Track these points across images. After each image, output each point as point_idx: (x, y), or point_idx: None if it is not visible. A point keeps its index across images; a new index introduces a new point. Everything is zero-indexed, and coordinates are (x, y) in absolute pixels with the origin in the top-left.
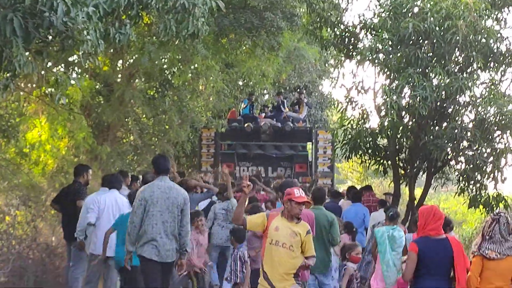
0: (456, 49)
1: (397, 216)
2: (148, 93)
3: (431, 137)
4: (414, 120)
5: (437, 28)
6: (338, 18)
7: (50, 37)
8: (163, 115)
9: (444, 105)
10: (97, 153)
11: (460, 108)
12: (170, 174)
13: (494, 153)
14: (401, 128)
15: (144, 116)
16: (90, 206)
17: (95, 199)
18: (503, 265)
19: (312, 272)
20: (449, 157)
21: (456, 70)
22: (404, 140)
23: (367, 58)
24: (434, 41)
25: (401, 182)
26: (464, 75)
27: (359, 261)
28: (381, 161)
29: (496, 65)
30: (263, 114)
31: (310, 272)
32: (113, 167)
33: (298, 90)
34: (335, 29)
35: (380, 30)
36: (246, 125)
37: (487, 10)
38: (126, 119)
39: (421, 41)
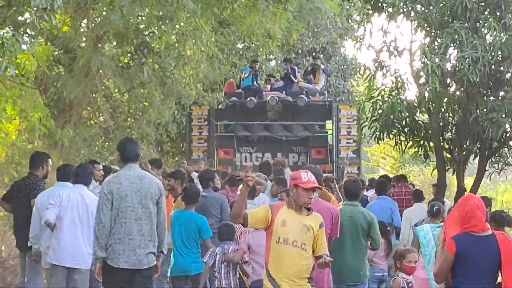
0: None
1: (443, 211)
2: (121, 60)
3: (485, 110)
4: (462, 88)
5: None
6: None
7: None
8: (141, 88)
9: (501, 68)
10: (57, 138)
11: None
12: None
13: None
14: (445, 99)
15: (116, 90)
16: (49, 201)
17: (56, 193)
18: None
19: (344, 282)
20: (507, 135)
21: None
22: (450, 114)
23: (401, 11)
24: None
25: (447, 169)
26: None
27: (413, 271)
28: (421, 142)
29: None
30: (269, 86)
31: (340, 281)
32: (78, 155)
33: (313, 54)
34: None
35: None
36: (247, 100)
37: None
38: (94, 95)
39: None
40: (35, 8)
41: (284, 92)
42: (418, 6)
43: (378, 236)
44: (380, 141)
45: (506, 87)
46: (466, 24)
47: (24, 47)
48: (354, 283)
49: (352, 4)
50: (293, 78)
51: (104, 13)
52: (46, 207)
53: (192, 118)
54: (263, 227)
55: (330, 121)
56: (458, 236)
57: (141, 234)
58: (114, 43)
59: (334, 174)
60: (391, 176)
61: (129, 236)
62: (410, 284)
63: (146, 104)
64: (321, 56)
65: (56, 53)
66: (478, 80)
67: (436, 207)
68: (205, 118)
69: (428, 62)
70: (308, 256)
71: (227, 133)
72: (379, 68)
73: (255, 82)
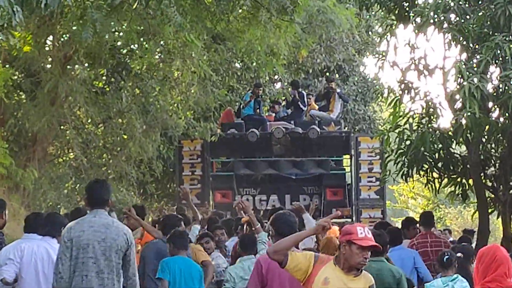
0: None
1: (455, 260)
2: (94, 85)
3: None
4: (507, 114)
5: None
6: None
7: None
8: (119, 118)
9: None
10: (18, 180)
11: None
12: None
13: None
14: (487, 127)
15: (89, 121)
16: (9, 256)
17: (17, 247)
18: None
19: None
20: None
21: None
22: (493, 145)
23: (432, 21)
24: None
25: (490, 210)
26: None
27: None
28: (459, 179)
29: None
30: (274, 115)
31: None
32: (44, 200)
33: (327, 74)
34: None
35: None
36: (249, 132)
37: None
38: (62, 127)
39: None
40: None
41: (292, 122)
42: (452, 16)
43: None
44: (408, 179)
45: None
46: (510, 36)
47: None
48: None
49: (373, 13)
50: (301, 106)
51: (74, 28)
52: (5, 263)
53: (183, 155)
54: (299, 278)
55: (348, 156)
56: None
57: None
58: (86, 64)
59: (354, 219)
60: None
61: None
62: None
63: (125, 137)
64: (336, 76)
65: (16, 77)
66: None
67: (447, 257)
68: (198, 154)
69: (465, 83)
70: None
71: (225, 172)
72: (406, 91)
73: (257, 111)
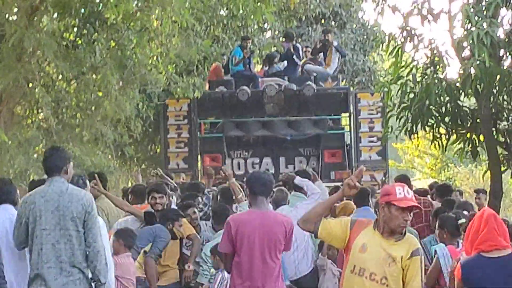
0: None
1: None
2: (64, 38)
3: None
4: None
5: None
6: None
7: None
8: (93, 74)
9: None
10: None
11: None
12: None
13: None
14: (498, 77)
15: (60, 77)
16: None
17: None
18: None
19: None
20: None
21: None
22: (505, 97)
23: None
24: None
25: (503, 169)
26: None
27: None
28: (468, 135)
29: None
30: (265, 69)
31: None
32: (12, 166)
33: (323, 24)
34: None
35: None
36: (239, 89)
37: None
38: (30, 84)
39: None
40: None
41: (286, 78)
42: None
43: None
44: (413, 136)
45: None
46: None
47: None
48: None
49: None
50: (296, 60)
51: None
52: None
53: (168, 116)
54: (338, 247)
55: (347, 114)
56: (466, 260)
57: (60, 260)
58: (55, 15)
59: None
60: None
61: (47, 265)
62: None
63: (100, 94)
64: (333, 24)
65: None
66: None
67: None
68: (184, 115)
69: (473, 28)
70: None
71: (214, 134)
72: (408, 38)
73: (247, 66)
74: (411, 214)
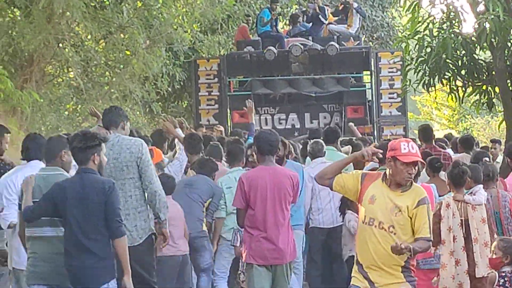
0: None
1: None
2: None
3: None
4: None
5: None
6: None
7: None
8: (121, 33)
9: None
10: (14, 103)
11: None
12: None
13: None
14: None
15: (89, 37)
16: (4, 193)
17: (8, 182)
18: None
19: None
20: None
21: None
22: None
23: None
24: None
25: None
26: None
27: None
28: (484, 87)
29: None
30: (290, 27)
31: None
32: (43, 123)
33: None
34: None
35: None
36: (266, 49)
37: None
38: (60, 45)
39: None
40: None
41: (310, 38)
42: None
43: None
44: (430, 88)
45: None
46: None
47: None
48: None
49: None
50: (322, 20)
51: None
52: (3, 206)
53: (199, 75)
54: (353, 199)
55: (368, 72)
56: None
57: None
58: None
59: (376, 137)
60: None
61: None
62: None
63: (128, 53)
64: None
65: None
66: None
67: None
68: (214, 74)
69: None
70: (400, 241)
71: (242, 92)
72: None
73: (274, 28)
74: (416, 168)
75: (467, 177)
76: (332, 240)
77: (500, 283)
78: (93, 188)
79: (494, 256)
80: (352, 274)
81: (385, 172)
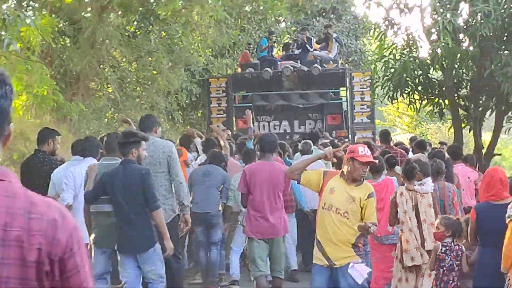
0: None
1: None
2: (127, 30)
3: (499, 64)
4: (475, 44)
5: None
6: None
7: None
8: (148, 57)
9: None
10: (65, 112)
11: None
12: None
13: None
14: (459, 55)
15: (123, 60)
16: (64, 180)
17: (69, 171)
18: None
19: None
20: None
21: None
22: (464, 71)
23: None
24: None
25: (463, 126)
26: None
27: None
28: (436, 100)
29: None
30: (282, 53)
31: None
32: (88, 128)
33: (325, 23)
34: None
35: None
36: (264, 70)
37: None
38: (101, 66)
39: None
40: None
41: (299, 61)
42: None
43: None
44: (394, 101)
45: None
46: None
47: (27, 21)
48: None
49: None
50: (309, 48)
51: None
52: (62, 188)
53: (211, 90)
54: (315, 190)
55: (344, 88)
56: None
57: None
58: (119, 12)
59: (350, 139)
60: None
61: None
62: None
63: (155, 72)
64: (332, 16)
65: (60, 25)
66: (491, 34)
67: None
68: (223, 89)
69: (439, 18)
70: (352, 225)
71: (245, 104)
72: (389, 26)
73: (270, 53)
74: (368, 167)
75: (417, 171)
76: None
77: (443, 251)
78: (133, 174)
79: (438, 231)
80: (314, 254)
81: (342, 170)
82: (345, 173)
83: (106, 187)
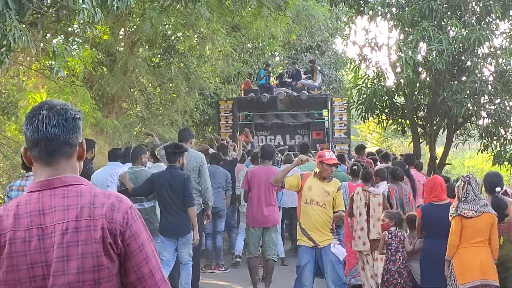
0: None
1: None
2: (152, 61)
3: (450, 92)
4: (431, 75)
5: None
6: None
7: (44, 8)
8: (170, 83)
9: (462, 58)
10: (102, 126)
11: (479, 60)
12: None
13: None
14: (418, 84)
15: (149, 85)
16: (109, 179)
17: (112, 172)
18: (480, 222)
19: None
20: (470, 112)
21: (473, 21)
22: (422, 97)
23: (379, 13)
24: None
25: (421, 141)
26: (482, 25)
27: None
28: (399, 120)
29: None
30: (278, 81)
31: None
32: (120, 140)
33: (311, 58)
34: None
35: None
36: (262, 95)
37: None
38: (131, 89)
39: None
40: (80, 21)
41: (290, 88)
42: (393, 9)
43: None
44: (365, 120)
45: (467, 73)
46: (433, 22)
47: (73, 53)
48: None
49: (340, 8)
50: (298, 77)
51: (137, 23)
52: (107, 185)
53: (220, 110)
54: (296, 190)
55: (326, 110)
56: (425, 205)
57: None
58: (146, 47)
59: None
60: (374, 148)
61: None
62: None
63: (174, 95)
64: (316, 52)
65: (99, 56)
66: (444, 68)
67: (355, 167)
68: (230, 110)
69: (402, 54)
70: (329, 213)
71: (247, 121)
72: (362, 61)
73: (267, 81)
74: (335, 167)
75: (374, 176)
76: (292, 214)
77: (389, 237)
78: (177, 177)
79: (383, 222)
80: (298, 238)
81: (315, 171)
82: (317, 173)
83: (154, 185)
